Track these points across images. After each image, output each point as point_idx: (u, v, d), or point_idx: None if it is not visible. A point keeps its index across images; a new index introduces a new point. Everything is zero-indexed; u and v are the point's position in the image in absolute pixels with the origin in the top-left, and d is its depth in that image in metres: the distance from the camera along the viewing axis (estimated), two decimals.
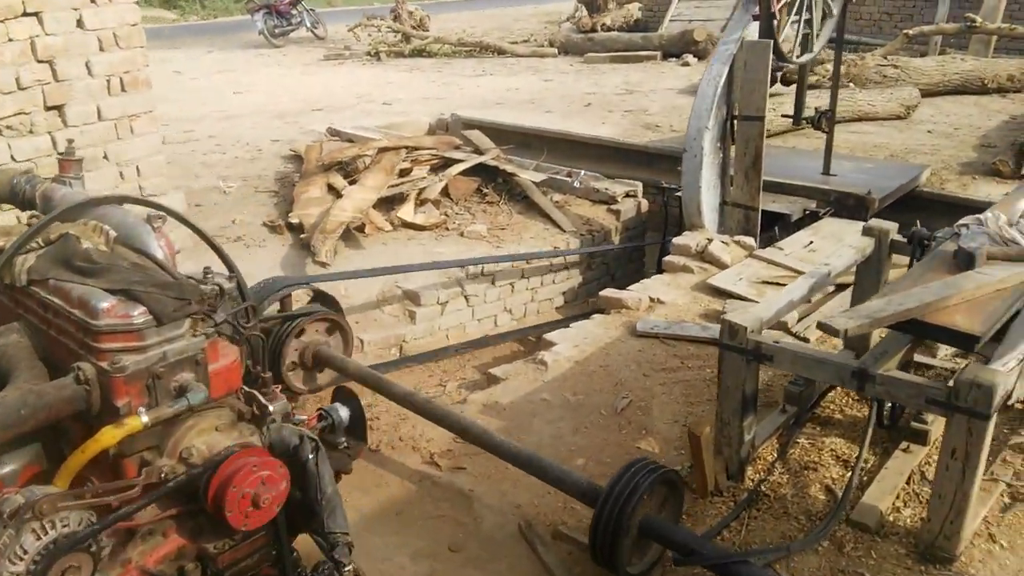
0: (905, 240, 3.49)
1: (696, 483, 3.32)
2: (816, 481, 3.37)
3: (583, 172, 7.06)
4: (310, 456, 1.76)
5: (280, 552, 1.80)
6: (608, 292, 5.23)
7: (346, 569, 1.76)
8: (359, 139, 7.80)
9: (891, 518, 3.12)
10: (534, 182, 6.72)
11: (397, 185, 6.35)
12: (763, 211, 5.85)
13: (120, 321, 1.60)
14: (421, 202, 6.35)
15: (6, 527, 1.40)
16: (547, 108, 10.09)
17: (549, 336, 4.75)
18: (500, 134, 8.29)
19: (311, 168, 6.60)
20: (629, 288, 5.33)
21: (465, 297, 5.43)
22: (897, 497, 3.22)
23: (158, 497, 1.58)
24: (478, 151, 7.16)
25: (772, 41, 5.31)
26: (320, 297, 4.11)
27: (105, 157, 3.98)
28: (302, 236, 5.57)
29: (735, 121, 5.59)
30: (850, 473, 3.32)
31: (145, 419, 1.57)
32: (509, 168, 6.80)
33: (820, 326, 2.71)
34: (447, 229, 6.11)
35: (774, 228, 6.04)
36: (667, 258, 5.66)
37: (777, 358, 3.07)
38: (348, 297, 5.06)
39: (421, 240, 5.91)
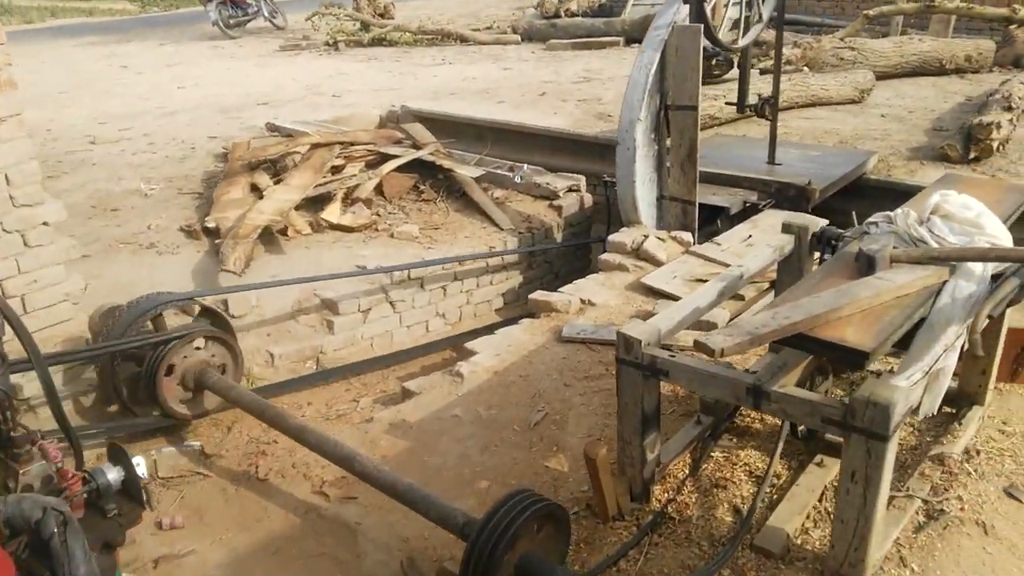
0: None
1: (598, 507, 3.11)
2: (725, 501, 3.17)
3: (525, 167, 6.81)
4: (54, 531, 1.51)
5: None
6: (538, 295, 5.01)
7: None
8: (298, 134, 7.52)
9: (799, 540, 2.92)
10: (473, 178, 6.47)
11: (325, 184, 6.09)
12: (703, 205, 5.62)
13: None
14: (352, 201, 6.10)
15: None
16: (501, 98, 9.82)
17: (470, 344, 4.53)
18: (449, 126, 8.05)
19: (235, 167, 6.33)
20: (561, 290, 5.11)
21: (391, 303, 5.18)
22: (807, 517, 3.02)
23: None
24: (416, 146, 6.89)
25: (703, 26, 5.07)
26: (207, 313, 3.85)
27: None
28: (217, 241, 5.30)
29: (668, 111, 5.34)
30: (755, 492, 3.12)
31: None
32: (447, 163, 6.55)
33: (696, 345, 2.48)
34: (376, 230, 5.86)
35: (716, 221, 5.81)
36: (602, 256, 5.44)
37: (673, 373, 2.86)
38: (259, 307, 4.81)
39: (348, 243, 5.65)
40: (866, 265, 2.68)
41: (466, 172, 6.42)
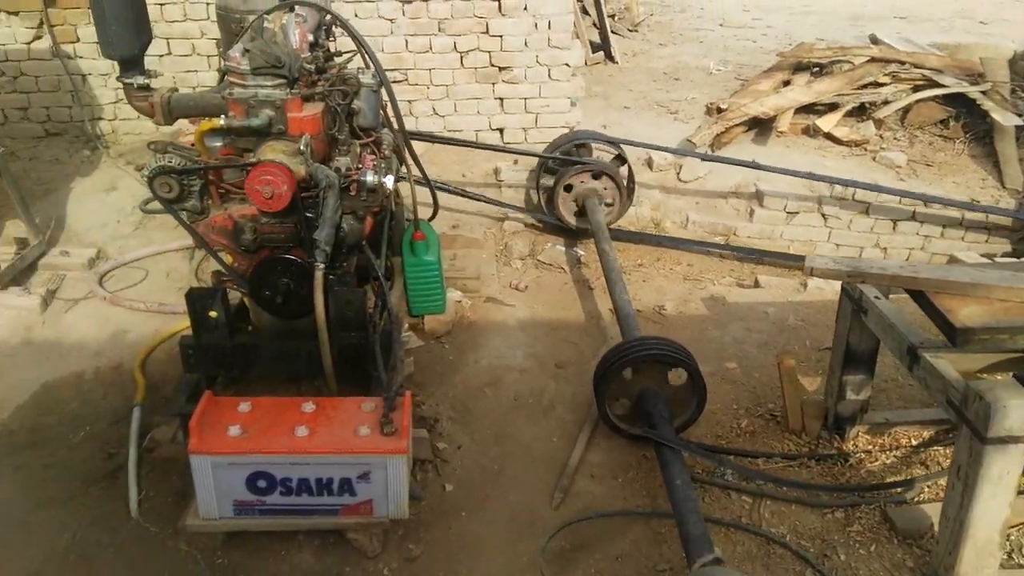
0: None
1: (782, 414, 3.25)
2: (916, 472, 2.96)
3: None
4: (323, 188, 2.73)
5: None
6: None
7: (318, 265, 2.74)
8: (891, 51, 7.41)
9: None
10: (1014, 126, 5.72)
11: (844, 95, 6.15)
12: None
13: (234, 64, 2.75)
14: (865, 118, 6.08)
15: None
16: None
17: None
18: None
19: (782, 64, 6.76)
20: None
21: (823, 215, 5.26)
22: None
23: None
24: (977, 81, 6.27)
25: None
26: (621, 160, 4.80)
27: (525, 8, 5.22)
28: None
29: None
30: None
31: (221, 122, 2.74)
32: (988, 104, 5.88)
33: (806, 264, 2.47)
34: (865, 150, 5.78)
35: None
36: None
37: (869, 313, 2.80)
38: (704, 179, 5.45)
39: (825, 152, 5.76)
40: None
41: (1004, 119, 5.69)
